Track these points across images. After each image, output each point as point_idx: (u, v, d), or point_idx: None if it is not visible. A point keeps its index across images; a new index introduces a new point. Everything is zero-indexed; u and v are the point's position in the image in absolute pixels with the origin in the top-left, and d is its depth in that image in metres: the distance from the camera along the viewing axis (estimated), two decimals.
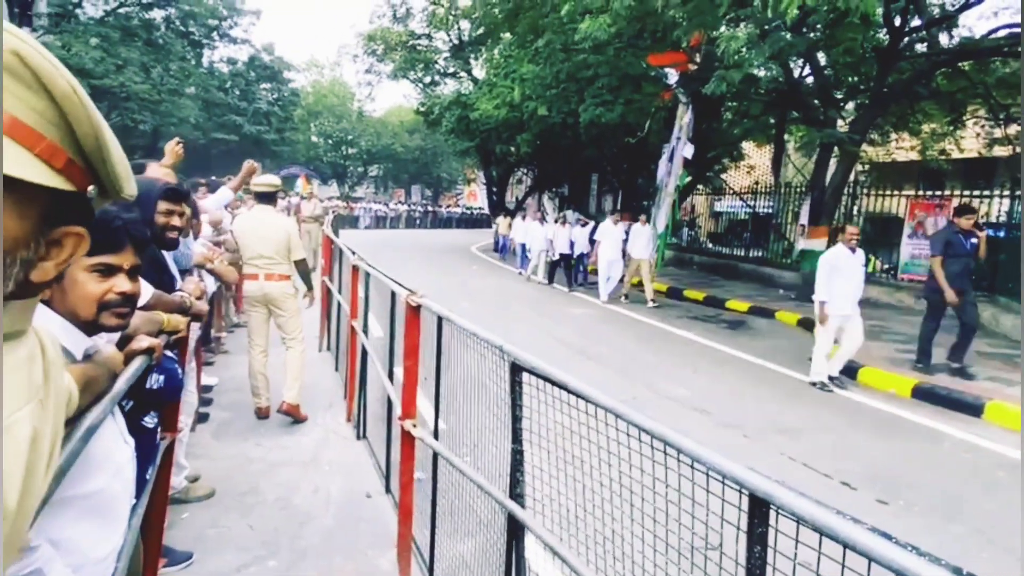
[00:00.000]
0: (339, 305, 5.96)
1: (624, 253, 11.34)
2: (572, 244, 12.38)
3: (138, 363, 1.45)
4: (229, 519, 3.25)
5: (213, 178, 7.20)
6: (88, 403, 1.15)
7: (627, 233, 11.44)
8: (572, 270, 12.64)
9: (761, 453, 4.46)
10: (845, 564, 0.91)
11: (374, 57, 24.25)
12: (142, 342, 1.53)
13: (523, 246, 15.13)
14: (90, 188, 0.68)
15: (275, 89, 35.05)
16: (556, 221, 13.49)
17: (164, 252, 2.50)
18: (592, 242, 12.31)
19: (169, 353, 1.82)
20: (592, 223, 13.32)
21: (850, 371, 6.57)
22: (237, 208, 7.08)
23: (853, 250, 6.12)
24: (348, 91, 43.41)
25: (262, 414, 4.65)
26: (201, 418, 4.37)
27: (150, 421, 1.94)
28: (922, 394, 5.86)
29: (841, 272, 6.01)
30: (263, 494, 3.55)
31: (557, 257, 12.49)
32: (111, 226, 1.32)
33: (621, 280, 11.30)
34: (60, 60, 0.62)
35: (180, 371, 1.89)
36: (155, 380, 1.71)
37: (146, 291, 2.03)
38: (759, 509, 1.01)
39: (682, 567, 1.25)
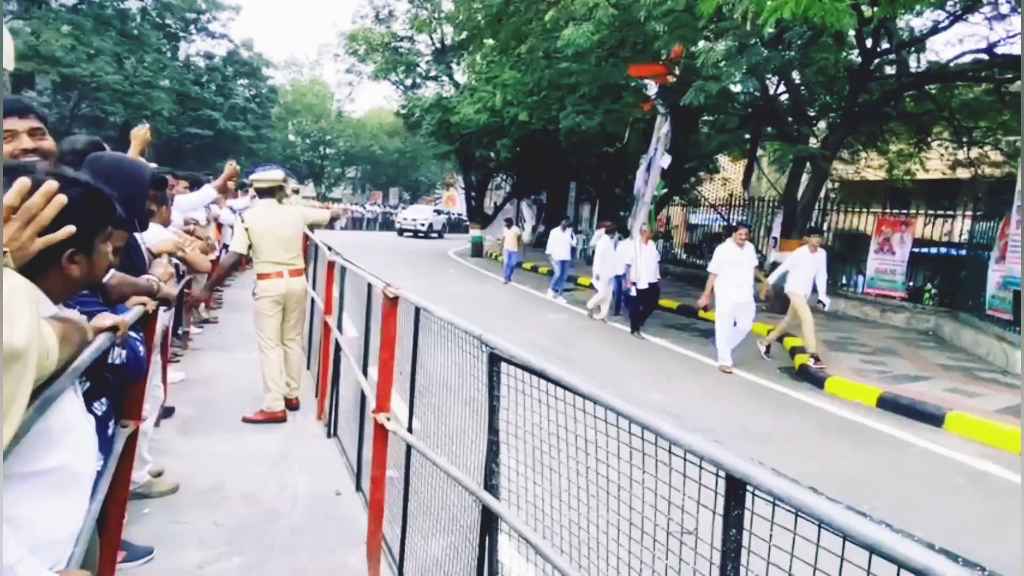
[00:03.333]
0: (312, 302, 5.87)
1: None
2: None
3: (101, 340, 1.40)
4: (193, 515, 3.16)
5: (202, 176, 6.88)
6: (69, 357, 1.12)
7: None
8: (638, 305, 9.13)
9: None
10: (820, 544, 0.92)
11: (355, 57, 24.11)
12: (105, 319, 1.47)
13: (562, 264, 12.08)
14: None
15: (253, 86, 34.55)
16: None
17: (136, 234, 2.44)
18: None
19: (133, 334, 1.77)
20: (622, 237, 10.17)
21: (818, 380, 6.70)
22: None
23: None
24: (327, 91, 43.04)
25: (294, 404, 4.71)
26: (166, 413, 4.26)
27: (99, 408, 1.86)
28: (887, 404, 6.00)
29: None
30: (229, 491, 3.46)
31: (646, 286, 8.75)
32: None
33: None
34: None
35: (143, 349, 1.83)
36: (118, 354, 1.65)
37: (109, 273, 1.96)
38: (736, 491, 1.01)
39: (657, 553, 1.25)
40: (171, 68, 27.81)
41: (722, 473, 1.04)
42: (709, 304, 7.43)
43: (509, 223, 16.04)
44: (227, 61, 32.81)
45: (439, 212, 32.47)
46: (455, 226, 35.65)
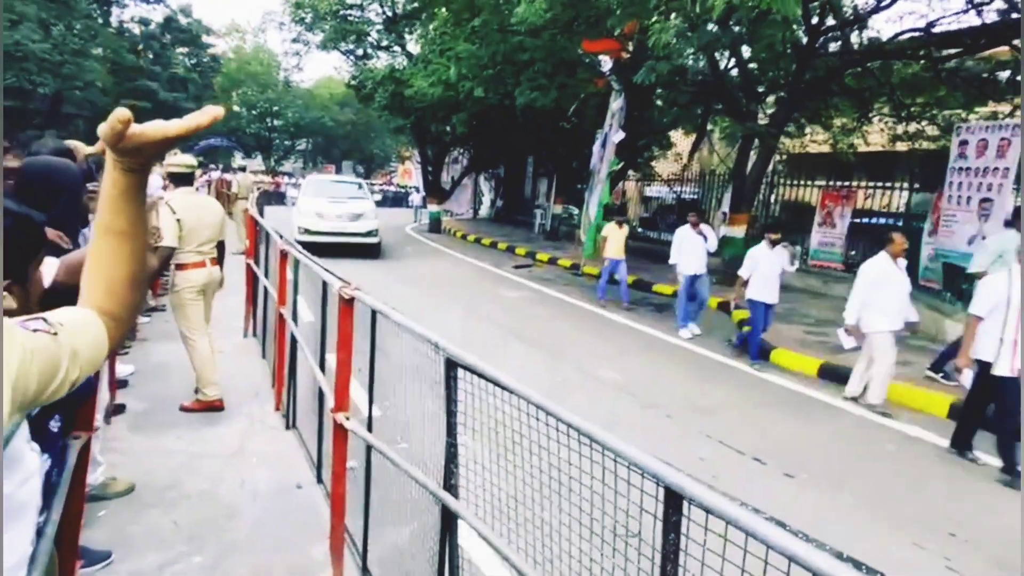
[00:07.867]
0: (265, 290, 5.76)
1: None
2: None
3: None
4: (150, 515, 3.13)
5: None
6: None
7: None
8: None
9: (682, 432, 4.73)
10: (747, 550, 1.02)
11: (302, 25, 23.11)
12: None
13: (690, 279, 7.92)
14: None
15: (193, 54, 32.92)
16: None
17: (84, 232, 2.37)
18: None
19: None
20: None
21: (764, 353, 7.01)
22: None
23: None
24: (274, 59, 41.30)
25: (219, 406, 4.48)
26: (117, 409, 4.16)
27: (54, 425, 1.84)
28: (827, 374, 6.35)
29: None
30: (186, 488, 3.44)
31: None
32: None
33: None
34: None
35: None
36: None
37: (52, 266, 1.92)
38: (673, 501, 1.10)
39: (604, 552, 1.34)
40: (104, 35, 26.19)
41: (661, 484, 1.12)
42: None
43: (621, 223, 9.80)
44: (164, 28, 31.07)
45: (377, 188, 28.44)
46: (400, 200, 33.62)
